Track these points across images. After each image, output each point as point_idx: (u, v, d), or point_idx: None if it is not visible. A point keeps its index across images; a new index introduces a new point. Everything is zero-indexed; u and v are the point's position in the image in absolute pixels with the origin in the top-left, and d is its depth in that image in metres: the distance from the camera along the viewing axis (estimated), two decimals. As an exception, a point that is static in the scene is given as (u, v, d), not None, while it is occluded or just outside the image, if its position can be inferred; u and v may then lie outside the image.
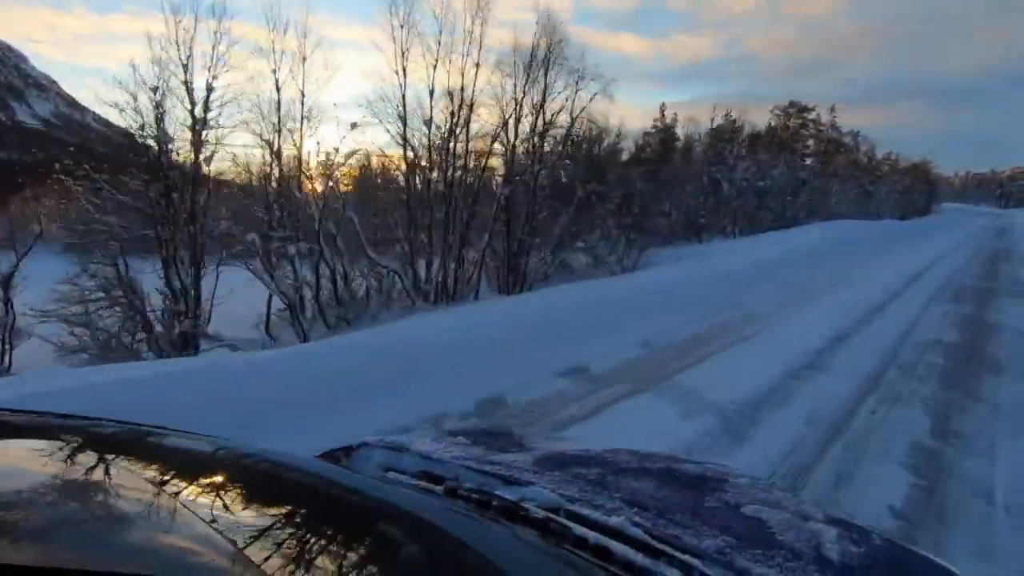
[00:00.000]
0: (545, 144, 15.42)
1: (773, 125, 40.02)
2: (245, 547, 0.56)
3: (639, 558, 0.83)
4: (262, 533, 0.63)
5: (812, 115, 45.29)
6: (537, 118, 15.24)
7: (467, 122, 13.25)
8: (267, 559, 0.55)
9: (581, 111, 15.53)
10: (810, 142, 46.18)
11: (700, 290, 8.33)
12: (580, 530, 0.88)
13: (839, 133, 45.58)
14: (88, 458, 0.79)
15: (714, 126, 27.70)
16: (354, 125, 11.56)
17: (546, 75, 14.49)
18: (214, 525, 0.59)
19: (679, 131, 32.14)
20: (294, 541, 0.63)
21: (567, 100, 15.21)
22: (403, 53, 12.19)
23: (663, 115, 31.25)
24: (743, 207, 24.95)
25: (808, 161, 43.61)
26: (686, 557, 0.84)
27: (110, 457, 0.78)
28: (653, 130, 30.82)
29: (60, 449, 0.79)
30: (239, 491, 0.76)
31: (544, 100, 15.16)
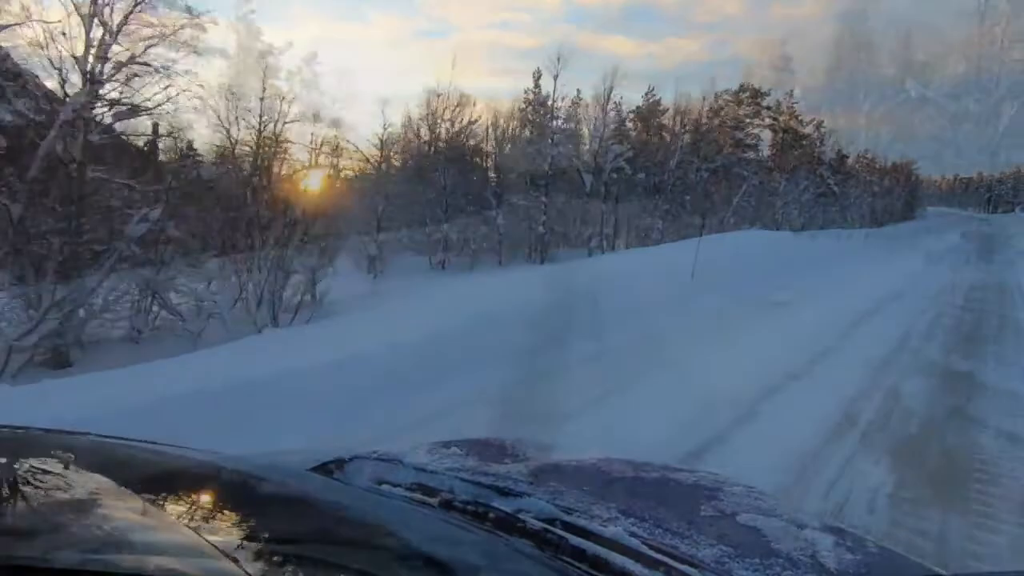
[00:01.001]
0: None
1: (712, 109, 32.45)
2: (235, 561, 0.55)
3: (637, 568, 0.81)
4: (253, 547, 0.63)
5: (767, 101, 37.47)
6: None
7: None
8: (257, 573, 0.55)
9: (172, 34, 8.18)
10: (766, 132, 38.38)
11: None
12: (577, 541, 0.86)
13: (800, 123, 37.81)
14: (78, 471, 0.77)
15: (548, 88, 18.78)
16: None
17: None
18: (204, 538, 0.59)
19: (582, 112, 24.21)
20: (285, 555, 0.63)
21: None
22: None
23: (537, 85, 22.63)
24: (628, 211, 17.52)
25: (764, 154, 36.14)
26: (684, 567, 0.82)
27: (102, 471, 0.76)
28: (526, 104, 22.51)
29: (47, 463, 0.77)
30: (230, 504, 0.76)
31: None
